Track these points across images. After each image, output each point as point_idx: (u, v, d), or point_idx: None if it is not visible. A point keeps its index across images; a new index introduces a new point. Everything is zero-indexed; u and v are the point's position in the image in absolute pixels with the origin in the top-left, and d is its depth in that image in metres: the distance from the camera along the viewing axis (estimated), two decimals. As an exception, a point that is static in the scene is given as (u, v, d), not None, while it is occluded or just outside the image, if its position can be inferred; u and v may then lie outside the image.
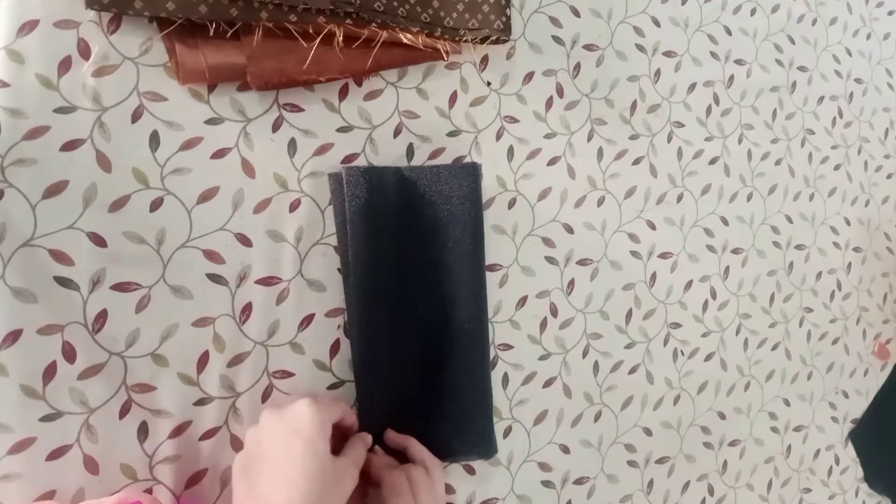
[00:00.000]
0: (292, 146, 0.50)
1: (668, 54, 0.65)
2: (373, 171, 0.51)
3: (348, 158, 0.52)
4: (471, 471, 0.57)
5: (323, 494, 0.42)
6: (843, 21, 0.77)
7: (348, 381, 0.52)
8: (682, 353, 0.67)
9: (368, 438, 0.50)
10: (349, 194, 0.50)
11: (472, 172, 0.54)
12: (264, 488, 0.41)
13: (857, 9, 0.78)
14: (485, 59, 0.57)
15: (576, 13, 0.61)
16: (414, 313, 0.53)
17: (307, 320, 0.51)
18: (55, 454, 0.43)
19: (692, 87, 0.67)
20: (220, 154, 0.48)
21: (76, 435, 0.44)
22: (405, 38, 0.50)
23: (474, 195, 0.54)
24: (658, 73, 0.65)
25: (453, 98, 0.56)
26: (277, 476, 0.41)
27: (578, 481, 0.61)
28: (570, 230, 0.61)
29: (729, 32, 0.69)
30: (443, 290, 0.53)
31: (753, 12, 0.71)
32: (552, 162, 0.60)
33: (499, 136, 0.58)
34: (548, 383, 0.60)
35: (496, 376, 0.58)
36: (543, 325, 0.60)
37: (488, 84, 0.57)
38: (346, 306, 0.51)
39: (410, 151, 0.54)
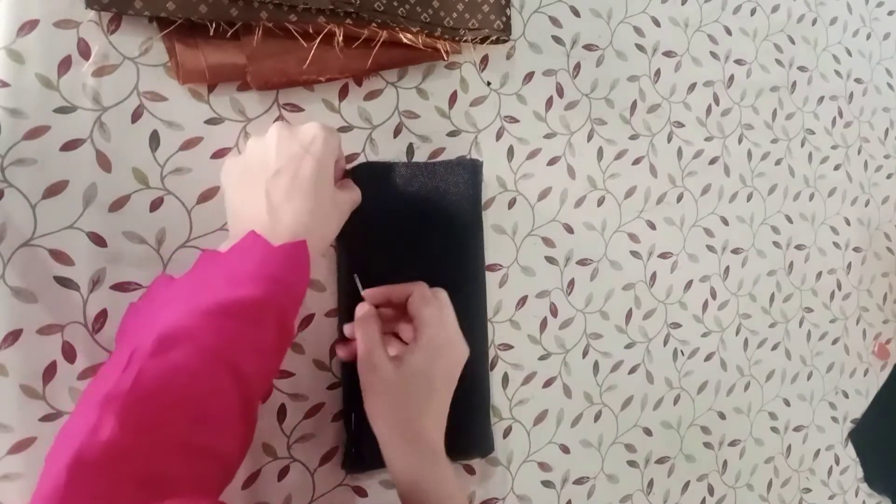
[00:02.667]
0: (292, 146, 0.50)
1: (668, 54, 0.65)
2: (371, 166, 0.51)
3: (348, 158, 0.52)
4: (471, 471, 0.57)
5: (327, 215, 0.43)
6: (843, 21, 0.77)
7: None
8: (682, 353, 0.67)
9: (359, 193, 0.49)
10: None
11: (470, 169, 0.54)
12: (274, 196, 0.41)
13: (857, 9, 0.78)
14: (485, 59, 0.57)
15: (576, 13, 0.61)
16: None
17: (307, 320, 0.51)
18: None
19: (692, 87, 0.67)
20: (220, 154, 0.48)
21: (76, 435, 0.44)
22: (405, 38, 0.50)
23: (473, 192, 0.54)
24: (658, 73, 0.65)
25: (453, 98, 0.56)
26: (288, 195, 0.41)
27: (578, 481, 0.61)
28: (570, 230, 0.61)
29: (729, 32, 0.69)
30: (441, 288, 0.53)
31: (753, 12, 0.71)
32: (552, 162, 0.60)
33: (499, 136, 0.58)
34: (548, 383, 0.60)
35: (496, 376, 0.58)
36: (543, 325, 0.60)
37: (488, 84, 0.57)
38: (337, 303, 0.51)
39: (410, 151, 0.54)
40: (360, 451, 0.50)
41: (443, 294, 0.48)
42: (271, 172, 0.41)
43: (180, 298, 0.39)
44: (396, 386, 0.44)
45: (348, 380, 0.51)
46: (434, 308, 0.46)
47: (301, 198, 0.41)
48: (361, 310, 0.47)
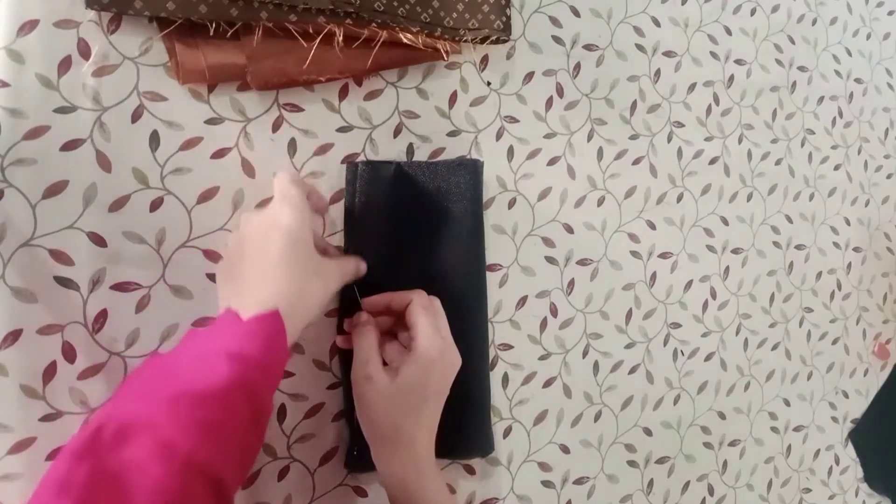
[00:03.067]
0: (292, 146, 0.50)
1: (668, 54, 0.65)
2: (372, 165, 0.51)
3: (348, 158, 0.52)
4: (471, 471, 0.57)
5: (304, 287, 0.42)
6: (843, 21, 0.77)
7: (348, 381, 0.52)
8: (682, 353, 0.67)
9: (363, 266, 0.49)
10: (348, 189, 0.50)
11: (471, 168, 0.54)
12: (247, 285, 0.41)
13: (857, 9, 0.78)
14: (485, 59, 0.57)
15: (576, 13, 0.61)
16: None
17: (307, 320, 0.51)
18: (55, 454, 0.43)
19: (692, 87, 0.67)
20: (220, 154, 0.48)
21: (76, 435, 0.44)
22: (405, 38, 0.50)
23: (474, 192, 0.54)
24: (658, 73, 0.65)
25: (453, 98, 0.56)
26: (258, 270, 0.41)
27: (578, 481, 0.61)
28: (570, 230, 0.61)
29: (729, 32, 0.69)
30: (440, 288, 0.53)
31: (753, 12, 0.71)
32: (552, 162, 0.60)
33: (499, 136, 0.58)
34: (548, 383, 0.60)
35: (496, 376, 0.58)
36: (543, 325, 0.60)
37: (488, 84, 0.57)
38: (337, 303, 0.51)
39: (410, 151, 0.54)
40: (362, 450, 0.50)
41: (437, 303, 0.49)
42: (242, 261, 0.42)
43: (151, 381, 0.39)
44: (390, 397, 0.45)
45: (349, 380, 0.51)
46: (430, 318, 0.47)
47: (272, 269, 0.41)
48: (359, 319, 0.48)
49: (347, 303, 0.50)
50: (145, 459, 0.34)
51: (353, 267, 0.48)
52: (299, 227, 0.42)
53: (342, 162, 0.52)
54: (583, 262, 0.61)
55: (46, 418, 0.43)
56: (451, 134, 0.56)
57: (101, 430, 0.35)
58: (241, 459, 0.39)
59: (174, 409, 0.36)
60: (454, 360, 0.48)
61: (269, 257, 0.41)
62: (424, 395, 0.46)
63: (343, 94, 0.52)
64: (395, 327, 0.50)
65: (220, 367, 0.37)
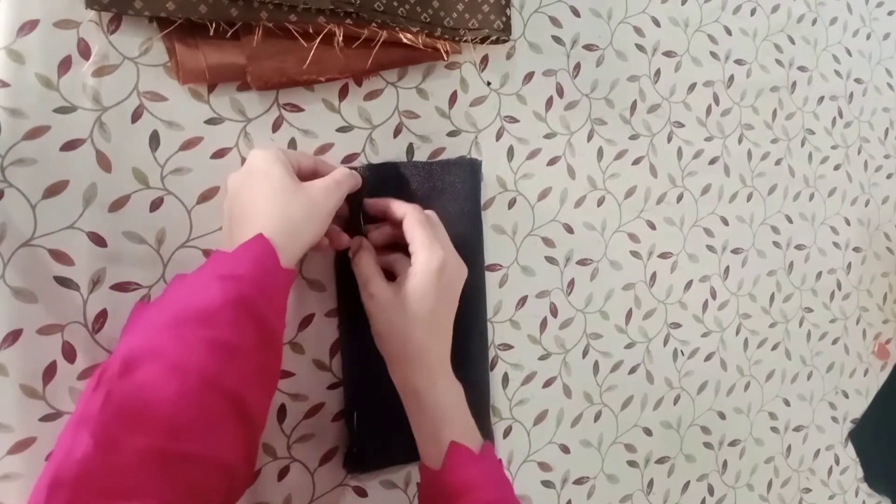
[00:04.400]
0: (292, 146, 0.50)
1: (668, 54, 0.65)
2: (372, 167, 0.51)
3: (348, 158, 0.52)
4: (471, 471, 0.56)
5: (287, 211, 0.43)
6: (843, 21, 0.77)
7: (348, 381, 0.52)
8: (682, 353, 0.67)
9: (357, 176, 0.48)
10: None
11: (468, 168, 0.54)
12: (234, 229, 0.43)
13: (857, 9, 0.78)
14: (485, 59, 0.57)
15: (576, 13, 0.61)
16: None
17: (307, 320, 0.51)
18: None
19: (692, 87, 0.67)
20: (220, 154, 0.48)
21: (76, 435, 0.44)
22: (405, 38, 0.50)
23: (472, 191, 0.54)
24: (658, 73, 0.65)
25: (453, 98, 0.56)
26: (239, 214, 0.43)
27: (578, 481, 0.61)
28: (570, 230, 0.61)
29: (729, 32, 0.69)
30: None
31: (753, 12, 0.71)
32: (552, 162, 0.60)
33: (499, 136, 0.58)
34: (548, 383, 0.60)
35: (496, 376, 0.58)
36: (543, 325, 0.60)
37: (488, 84, 0.57)
38: (336, 303, 0.51)
39: (410, 151, 0.54)
40: (361, 450, 0.50)
41: (433, 216, 0.49)
42: (230, 211, 0.44)
43: (146, 318, 0.39)
44: (394, 310, 0.46)
45: (350, 379, 0.51)
46: (426, 229, 0.47)
47: (251, 207, 0.43)
48: (356, 244, 0.49)
49: (348, 295, 0.51)
50: (158, 380, 0.34)
51: (345, 176, 0.47)
52: (269, 163, 0.43)
53: (341, 162, 0.52)
54: (583, 262, 0.61)
55: (46, 418, 0.43)
56: (451, 134, 0.56)
57: (108, 366, 0.35)
58: (261, 380, 0.40)
59: (177, 334, 0.36)
60: (458, 269, 0.48)
61: (249, 199, 0.43)
62: (430, 305, 0.46)
63: (343, 94, 0.52)
64: (402, 240, 0.49)
65: (212, 289, 0.38)
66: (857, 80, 0.78)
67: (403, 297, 0.46)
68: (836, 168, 0.76)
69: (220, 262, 0.40)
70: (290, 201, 0.43)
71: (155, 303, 0.41)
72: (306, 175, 0.46)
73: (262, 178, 0.43)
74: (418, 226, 0.47)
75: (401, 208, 0.49)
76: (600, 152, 0.62)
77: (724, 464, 0.69)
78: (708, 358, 0.68)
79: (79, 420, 0.34)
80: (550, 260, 0.60)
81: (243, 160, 0.49)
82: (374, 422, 0.51)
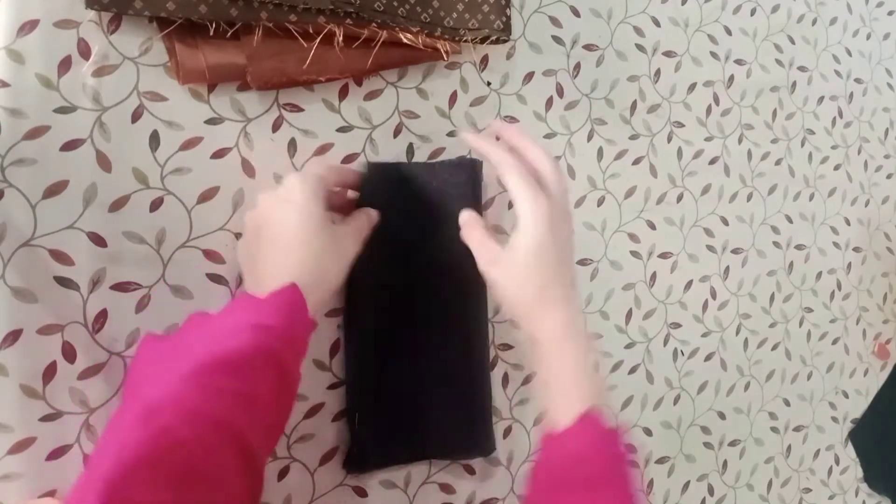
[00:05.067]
0: (292, 146, 0.50)
1: (668, 54, 0.65)
2: (372, 166, 0.51)
3: (348, 158, 0.52)
4: (471, 471, 0.57)
5: (320, 258, 0.43)
6: (843, 21, 0.77)
7: (348, 381, 0.52)
8: (682, 353, 0.67)
9: (374, 214, 0.49)
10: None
11: (469, 168, 0.54)
12: (263, 265, 0.42)
13: (857, 9, 0.78)
14: (485, 59, 0.57)
15: (576, 13, 0.61)
16: (411, 311, 0.53)
17: (307, 320, 0.51)
18: (55, 454, 0.43)
19: (692, 87, 0.67)
20: (220, 154, 0.48)
21: (76, 435, 0.44)
22: (405, 38, 0.50)
23: (473, 191, 0.54)
24: (658, 73, 0.65)
25: (453, 98, 0.56)
26: (273, 247, 0.42)
27: (578, 481, 0.61)
28: (570, 230, 0.61)
29: (729, 32, 0.69)
30: (441, 288, 0.53)
31: (753, 12, 0.71)
32: (552, 162, 0.60)
33: (499, 136, 0.58)
34: (548, 383, 0.60)
35: (496, 376, 0.58)
36: (543, 325, 0.59)
37: (488, 84, 0.57)
38: (340, 303, 0.51)
39: (410, 151, 0.54)
40: (362, 451, 0.50)
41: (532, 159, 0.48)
42: (259, 240, 0.43)
43: (166, 363, 0.39)
44: (516, 268, 0.45)
45: (350, 379, 0.51)
46: (527, 180, 0.46)
47: (286, 246, 0.42)
48: (463, 217, 0.50)
49: (348, 298, 0.51)
50: (171, 425, 0.34)
51: (366, 222, 0.48)
52: (309, 200, 0.42)
53: (342, 163, 0.52)
54: (583, 262, 0.61)
55: (46, 418, 0.43)
56: (452, 134, 0.56)
57: (125, 411, 0.35)
58: (268, 430, 0.39)
59: (202, 382, 0.36)
60: (564, 213, 0.48)
61: (283, 235, 0.42)
62: (550, 257, 0.45)
63: (343, 94, 0.52)
64: None
65: (243, 338, 0.37)
66: (857, 80, 0.78)
67: (518, 255, 0.45)
68: (836, 168, 0.76)
69: (251, 309, 0.40)
70: (324, 249, 0.43)
71: (174, 341, 0.41)
72: (333, 200, 0.47)
73: (299, 216, 0.42)
74: (516, 176, 0.45)
75: (499, 159, 0.47)
76: (600, 152, 0.62)
77: (724, 464, 0.69)
78: (708, 358, 0.68)
79: (87, 481, 0.33)
80: (550, 260, 0.60)
81: (244, 161, 0.49)
82: (374, 422, 0.51)
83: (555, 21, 0.60)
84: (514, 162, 0.46)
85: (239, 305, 0.41)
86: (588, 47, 0.61)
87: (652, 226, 0.65)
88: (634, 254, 0.64)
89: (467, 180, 0.54)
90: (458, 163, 0.54)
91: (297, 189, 0.43)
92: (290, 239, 0.42)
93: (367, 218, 0.49)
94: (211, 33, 0.45)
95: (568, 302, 0.46)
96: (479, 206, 0.55)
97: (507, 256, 0.46)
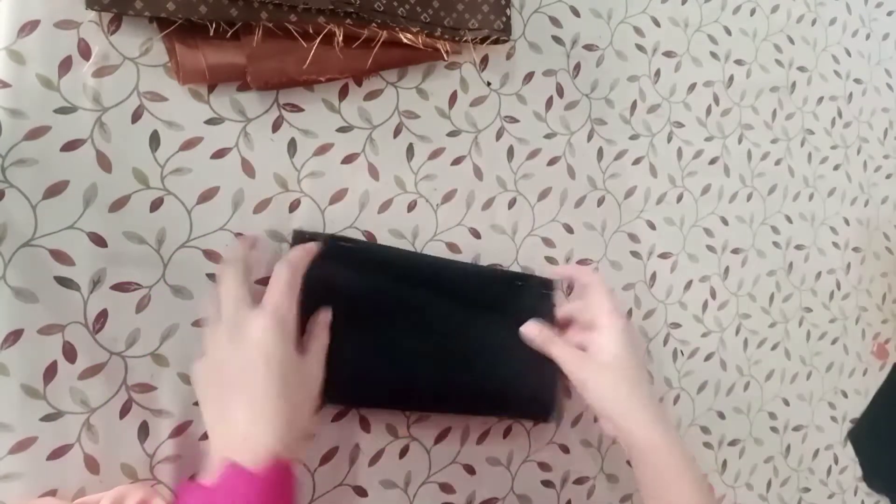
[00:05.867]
0: (292, 146, 0.50)
1: (668, 54, 0.65)
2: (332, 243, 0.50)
3: (348, 158, 0.52)
4: (471, 471, 0.57)
5: (297, 405, 0.42)
6: (842, 21, 0.77)
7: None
8: (682, 353, 0.67)
9: (327, 315, 0.47)
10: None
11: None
12: (238, 424, 0.40)
13: (856, 9, 0.78)
14: (485, 59, 0.57)
15: (576, 13, 0.61)
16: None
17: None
18: (56, 454, 0.43)
19: (692, 87, 0.67)
20: (220, 154, 0.48)
21: (77, 435, 0.44)
22: (405, 38, 0.50)
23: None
24: (658, 73, 0.65)
25: (453, 98, 0.56)
26: (246, 405, 0.40)
27: (578, 481, 0.61)
28: (569, 230, 0.61)
29: (729, 32, 0.69)
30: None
31: (753, 12, 0.71)
32: (552, 162, 0.60)
33: (499, 136, 0.58)
34: (548, 383, 0.60)
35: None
36: (543, 324, 0.60)
37: (488, 84, 0.57)
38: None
39: (410, 151, 0.54)
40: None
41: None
42: (223, 383, 0.41)
43: None
44: (609, 369, 0.50)
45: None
46: (611, 298, 0.53)
47: (262, 403, 0.40)
48: (532, 329, 0.53)
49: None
50: None
51: (325, 337, 0.46)
52: (278, 345, 0.41)
53: (341, 163, 0.52)
54: (583, 263, 0.61)
55: (47, 418, 0.43)
56: (451, 134, 0.56)
57: None
58: None
59: None
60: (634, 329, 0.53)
61: (257, 389, 0.40)
62: (636, 360, 0.51)
63: (343, 94, 0.52)
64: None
65: None
66: (857, 81, 0.78)
67: (617, 356, 0.50)
68: (836, 168, 0.76)
69: (250, 494, 0.38)
70: (299, 394, 0.42)
71: None
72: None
73: (274, 366, 0.40)
74: (601, 295, 0.53)
75: (586, 275, 0.55)
76: (600, 152, 0.62)
77: (724, 463, 0.69)
78: (708, 358, 0.68)
79: None
80: (550, 260, 0.60)
81: (243, 160, 0.49)
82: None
83: (555, 21, 0.60)
84: (602, 278, 0.53)
85: (236, 488, 0.38)
86: (588, 47, 0.61)
87: (652, 226, 0.65)
88: (634, 254, 0.64)
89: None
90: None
91: (260, 335, 0.40)
92: (264, 395, 0.40)
93: (323, 326, 0.46)
94: (211, 33, 0.45)
95: (658, 404, 0.51)
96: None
97: (598, 360, 0.50)
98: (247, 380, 0.40)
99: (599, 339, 0.51)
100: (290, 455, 0.40)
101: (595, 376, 0.50)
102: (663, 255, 0.66)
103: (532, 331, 0.53)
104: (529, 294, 0.57)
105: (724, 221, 0.69)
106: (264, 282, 0.49)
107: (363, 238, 0.52)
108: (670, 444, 0.48)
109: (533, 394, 0.56)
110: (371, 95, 0.53)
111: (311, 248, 0.47)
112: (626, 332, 0.51)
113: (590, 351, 0.51)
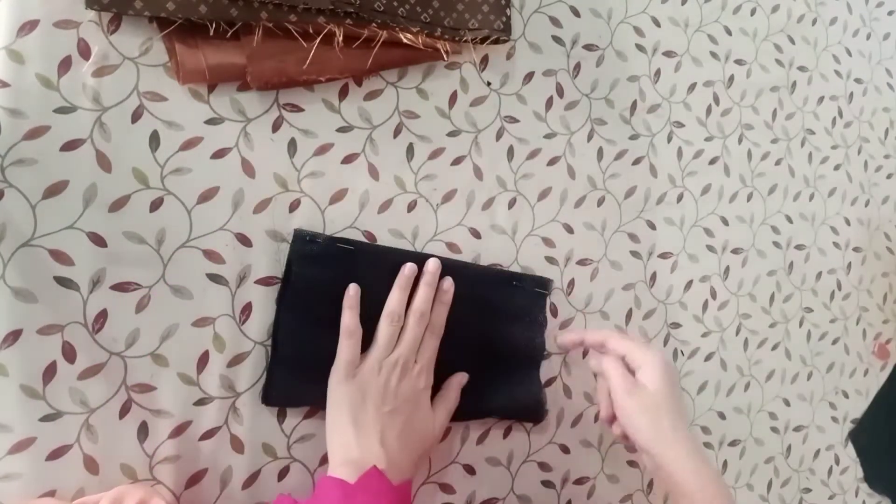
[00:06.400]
0: (292, 146, 0.50)
1: (668, 54, 0.65)
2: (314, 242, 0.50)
3: (348, 158, 0.52)
4: (471, 471, 0.57)
5: (419, 448, 0.49)
6: (843, 21, 0.77)
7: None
8: (682, 353, 0.67)
9: (464, 378, 0.54)
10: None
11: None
12: (385, 438, 0.47)
13: (856, 9, 0.78)
14: (485, 59, 0.57)
15: (576, 13, 0.61)
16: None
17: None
18: (55, 454, 0.43)
19: (692, 87, 0.67)
20: (220, 154, 0.48)
21: (76, 435, 0.44)
22: (405, 38, 0.50)
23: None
24: (658, 73, 0.65)
25: (453, 98, 0.56)
26: (396, 432, 0.48)
27: (578, 481, 0.61)
28: (570, 230, 0.61)
29: (729, 32, 0.69)
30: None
31: (753, 12, 0.71)
32: (552, 162, 0.60)
33: (499, 136, 0.58)
34: (548, 383, 0.60)
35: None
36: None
37: (488, 84, 0.57)
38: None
39: (410, 151, 0.54)
40: (269, 385, 0.49)
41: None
42: (387, 410, 0.48)
43: None
44: (653, 399, 0.49)
45: (277, 327, 0.50)
46: (633, 339, 0.53)
47: (411, 436, 0.49)
48: (598, 359, 0.53)
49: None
50: None
51: (456, 396, 0.54)
52: (424, 398, 0.51)
53: (341, 163, 0.52)
54: (583, 262, 0.61)
55: (46, 418, 0.43)
56: (451, 134, 0.56)
57: None
58: None
59: None
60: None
61: (405, 427, 0.49)
62: (677, 395, 0.50)
63: (343, 94, 0.52)
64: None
65: None
66: (857, 80, 0.78)
67: (660, 389, 0.49)
68: (836, 168, 0.76)
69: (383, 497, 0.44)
70: (424, 442, 0.50)
71: None
72: None
73: (416, 411, 0.50)
74: (626, 339, 0.53)
75: (598, 334, 0.55)
76: (600, 152, 0.62)
77: (725, 464, 0.69)
78: (708, 358, 0.68)
79: None
80: (550, 260, 0.60)
81: (243, 160, 0.49)
82: (288, 364, 0.49)
83: (555, 21, 0.60)
84: (617, 333, 0.56)
85: (375, 489, 0.44)
86: (588, 47, 0.61)
87: (652, 226, 0.65)
88: (634, 254, 0.64)
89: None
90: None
91: (419, 382, 0.50)
92: (409, 432, 0.49)
93: (457, 387, 0.54)
94: (211, 33, 0.45)
95: (695, 440, 0.50)
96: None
97: (643, 390, 0.49)
98: (399, 420, 0.48)
99: (642, 376, 0.50)
100: (411, 480, 0.48)
101: (638, 406, 0.49)
102: (663, 255, 0.65)
103: (573, 339, 0.55)
104: (527, 294, 0.57)
105: (725, 221, 0.69)
106: (265, 281, 0.49)
107: (363, 238, 0.52)
108: (714, 493, 0.47)
109: (526, 394, 0.57)
110: (371, 95, 0.53)
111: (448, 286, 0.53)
112: (667, 365, 0.50)
113: (639, 382, 0.51)
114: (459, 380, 0.54)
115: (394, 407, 0.48)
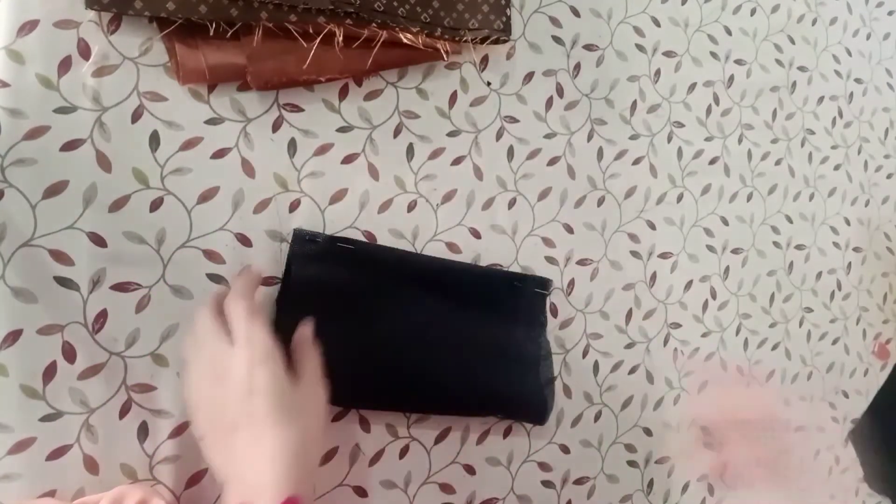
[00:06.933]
0: (292, 146, 0.50)
1: (668, 54, 0.65)
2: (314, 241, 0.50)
3: (348, 158, 0.52)
4: (471, 471, 0.57)
5: (300, 434, 0.40)
6: (843, 21, 0.77)
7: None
8: (683, 353, 0.67)
9: (307, 330, 0.45)
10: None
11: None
12: (246, 462, 0.39)
13: (856, 9, 0.78)
14: (485, 59, 0.57)
15: (576, 13, 0.61)
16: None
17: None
18: (55, 454, 0.43)
19: (692, 87, 0.67)
20: (220, 154, 0.48)
21: (76, 435, 0.44)
22: (405, 38, 0.50)
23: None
24: (658, 73, 0.65)
25: (453, 98, 0.56)
26: (253, 445, 0.39)
27: (578, 481, 0.61)
28: (569, 230, 0.61)
29: (729, 32, 0.69)
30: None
31: (753, 12, 0.71)
32: (552, 162, 0.60)
33: (499, 136, 0.58)
34: (548, 383, 0.60)
35: (496, 376, 0.57)
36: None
37: (488, 84, 0.57)
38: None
39: (410, 151, 0.54)
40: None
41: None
42: (231, 429, 0.39)
43: None
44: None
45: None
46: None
47: (272, 443, 0.39)
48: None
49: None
50: None
51: (316, 355, 0.45)
52: (266, 376, 0.40)
53: (341, 164, 0.52)
54: (583, 262, 0.61)
55: (46, 418, 0.43)
56: (451, 134, 0.56)
57: None
58: None
59: None
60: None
61: (258, 429, 0.39)
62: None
63: (343, 94, 0.52)
64: None
65: None
66: (857, 80, 0.78)
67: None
68: (836, 168, 0.76)
69: None
70: (300, 421, 0.40)
71: None
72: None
73: (274, 401, 0.39)
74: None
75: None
76: (600, 152, 0.62)
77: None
78: (708, 358, 0.68)
79: None
80: (550, 260, 0.60)
81: (243, 160, 0.49)
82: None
83: (555, 21, 0.60)
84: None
85: None
86: (588, 47, 0.61)
87: (652, 226, 0.65)
88: (634, 254, 0.64)
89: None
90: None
91: (258, 373, 0.39)
92: (266, 436, 0.39)
93: (310, 345, 0.45)
94: (211, 33, 0.45)
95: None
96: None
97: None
98: (245, 422, 0.39)
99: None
100: (305, 486, 0.39)
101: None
102: (663, 255, 0.65)
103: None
104: (527, 294, 0.57)
105: (725, 221, 0.69)
106: (265, 281, 0.49)
107: (363, 238, 0.52)
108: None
109: (528, 395, 0.57)
110: (371, 95, 0.53)
111: (254, 272, 0.47)
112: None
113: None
114: (305, 333, 0.46)
115: (224, 424, 0.40)
